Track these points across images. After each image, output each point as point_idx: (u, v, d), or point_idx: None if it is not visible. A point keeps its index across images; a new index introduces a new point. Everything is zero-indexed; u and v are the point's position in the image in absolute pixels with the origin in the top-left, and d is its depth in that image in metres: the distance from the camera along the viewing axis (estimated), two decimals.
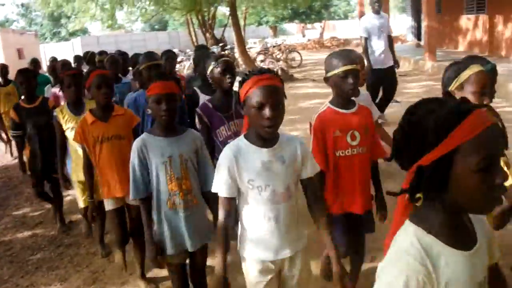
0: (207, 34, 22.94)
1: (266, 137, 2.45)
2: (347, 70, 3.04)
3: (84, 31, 45.90)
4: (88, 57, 9.85)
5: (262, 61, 20.12)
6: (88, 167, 4.04)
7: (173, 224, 3.13)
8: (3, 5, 79.30)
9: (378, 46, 8.74)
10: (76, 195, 4.98)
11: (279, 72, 18.13)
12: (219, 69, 3.92)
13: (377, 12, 8.83)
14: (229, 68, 3.95)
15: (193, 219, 3.17)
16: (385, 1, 22.15)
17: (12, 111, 5.45)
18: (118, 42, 43.79)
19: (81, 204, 4.79)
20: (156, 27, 60.11)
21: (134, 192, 3.10)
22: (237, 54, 20.66)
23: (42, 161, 5.39)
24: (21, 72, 5.80)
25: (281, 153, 2.47)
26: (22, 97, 5.70)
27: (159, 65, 4.97)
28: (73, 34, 53.49)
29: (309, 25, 58.10)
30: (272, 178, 2.45)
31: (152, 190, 3.11)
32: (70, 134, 4.49)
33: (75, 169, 4.69)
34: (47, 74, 9.62)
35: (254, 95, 2.34)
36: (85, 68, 7.96)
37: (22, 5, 63.02)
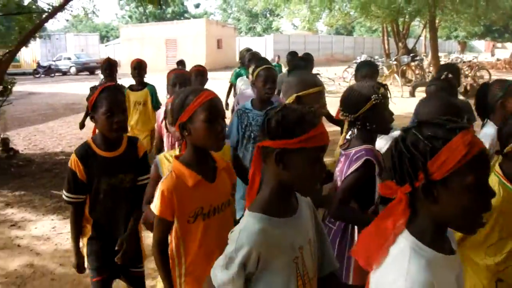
0: (400, 44, 23.82)
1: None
2: None
3: (277, 29, 48.75)
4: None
5: None
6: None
7: None
8: None
9: None
10: None
11: (468, 87, 18.62)
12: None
13: None
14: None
15: None
16: None
17: (75, 161, 3.02)
18: (307, 42, 46.32)
19: None
20: (341, 31, 61.65)
21: None
22: (425, 65, 21.32)
23: (116, 249, 3.07)
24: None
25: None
26: (96, 135, 3.13)
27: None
28: (266, 30, 57.06)
29: (498, 44, 55.60)
30: None
31: None
32: None
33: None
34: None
35: None
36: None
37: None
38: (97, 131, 3.10)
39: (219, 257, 1.89)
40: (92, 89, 3.07)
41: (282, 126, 1.82)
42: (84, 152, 3.05)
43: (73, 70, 37.49)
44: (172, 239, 2.41)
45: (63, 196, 3.15)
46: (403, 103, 13.24)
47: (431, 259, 1.46)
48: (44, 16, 9.55)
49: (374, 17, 21.05)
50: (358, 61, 25.85)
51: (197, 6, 71.75)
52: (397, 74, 20.04)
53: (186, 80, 4.50)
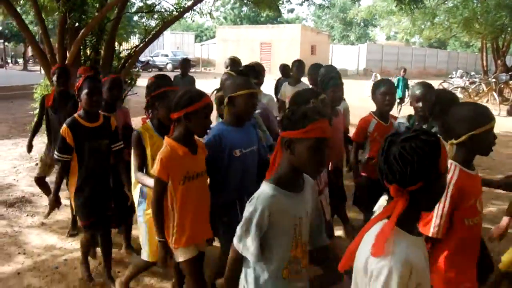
0: (499, 61, 23.42)
1: None
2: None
3: (372, 38, 48.47)
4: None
5: None
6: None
7: None
8: (301, 5, 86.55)
9: None
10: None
11: None
12: None
13: None
14: None
15: None
16: None
17: (66, 130, 4.02)
18: (400, 53, 45.98)
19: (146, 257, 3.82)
20: (435, 44, 60.48)
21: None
22: None
23: (98, 199, 4.24)
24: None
25: None
26: (80, 112, 4.18)
27: None
28: (359, 39, 56.85)
29: None
30: None
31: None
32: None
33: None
34: None
35: None
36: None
37: (320, 6, 68.32)
38: (81, 110, 4.14)
39: (237, 227, 2.44)
40: (78, 77, 4.53)
41: (290, 120, 2.36)
42: (72, 123, 4.06)
43: (169, 66, 38.46)
44: (168, 198, 3.22)
45: (55, 156, 4.15)
46: (500, 121, 13.28)
47: (409, 242, 1.83)
48: (169, 16, 10.35)
49: (476, 33, 20.88)
50: (454, 76, 25.67)
51: (291, 11, 72.57)
52: (495, 92, 19.90)
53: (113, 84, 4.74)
